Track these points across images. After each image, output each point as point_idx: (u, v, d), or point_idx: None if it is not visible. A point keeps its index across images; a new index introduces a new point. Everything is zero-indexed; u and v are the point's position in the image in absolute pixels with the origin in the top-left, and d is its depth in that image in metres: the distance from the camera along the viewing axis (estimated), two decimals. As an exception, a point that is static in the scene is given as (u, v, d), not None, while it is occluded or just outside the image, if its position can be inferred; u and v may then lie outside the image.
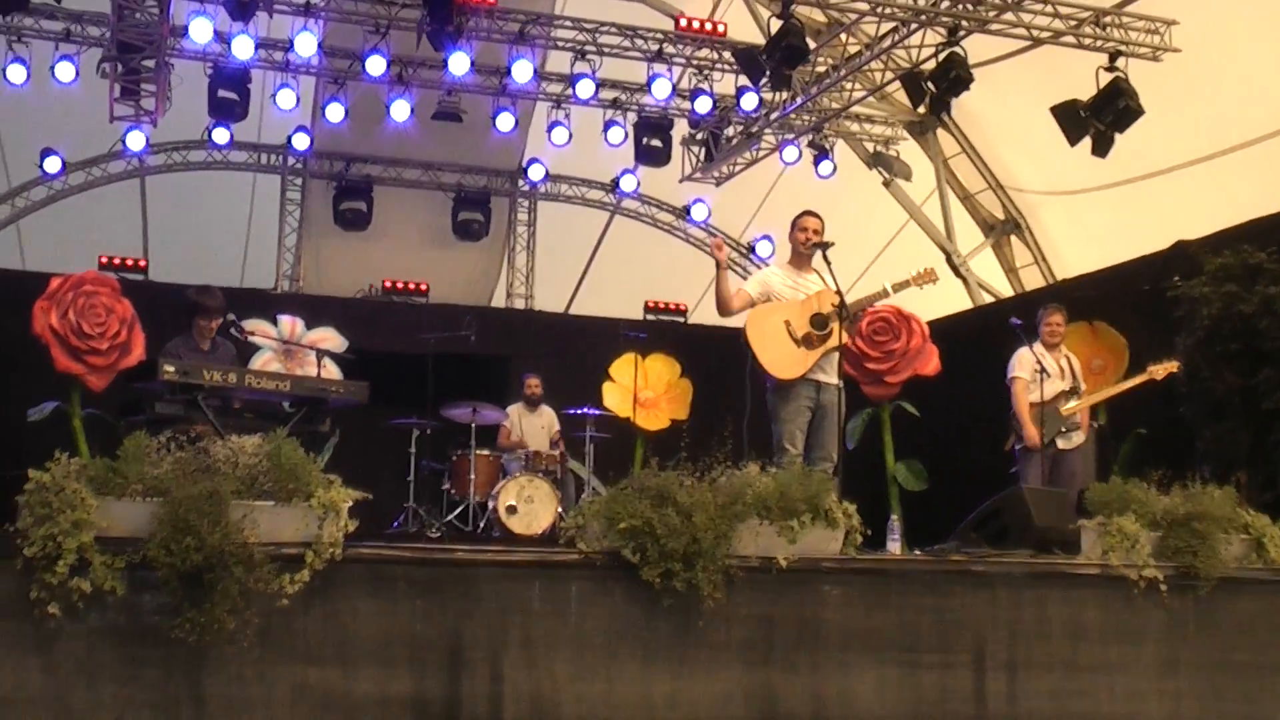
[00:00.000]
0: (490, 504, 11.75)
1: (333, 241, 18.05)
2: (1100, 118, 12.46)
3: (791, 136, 16.47)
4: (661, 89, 15.12)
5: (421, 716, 5.81)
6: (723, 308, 8.51)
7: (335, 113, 15.49)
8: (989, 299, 16.61)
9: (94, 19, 13.97)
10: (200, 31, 13.10)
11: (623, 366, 13.30)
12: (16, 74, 13.91)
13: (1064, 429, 10.12)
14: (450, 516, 12.23)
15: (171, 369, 7.62)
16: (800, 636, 6.41)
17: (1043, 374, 10.03)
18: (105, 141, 16.28)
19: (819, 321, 8.34)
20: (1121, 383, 10.39)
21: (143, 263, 15.80)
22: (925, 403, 11.26)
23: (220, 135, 16.08)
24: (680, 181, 17.66)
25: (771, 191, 17.60)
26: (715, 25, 14.67)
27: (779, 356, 8.33)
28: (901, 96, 14.49)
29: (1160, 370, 10.11)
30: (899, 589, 6.69)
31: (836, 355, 8.38)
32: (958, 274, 16.73)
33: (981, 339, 12.63)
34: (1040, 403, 10.01)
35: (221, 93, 14.42)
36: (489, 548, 6.32)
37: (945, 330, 12.34)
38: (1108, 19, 12.64)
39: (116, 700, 5.43)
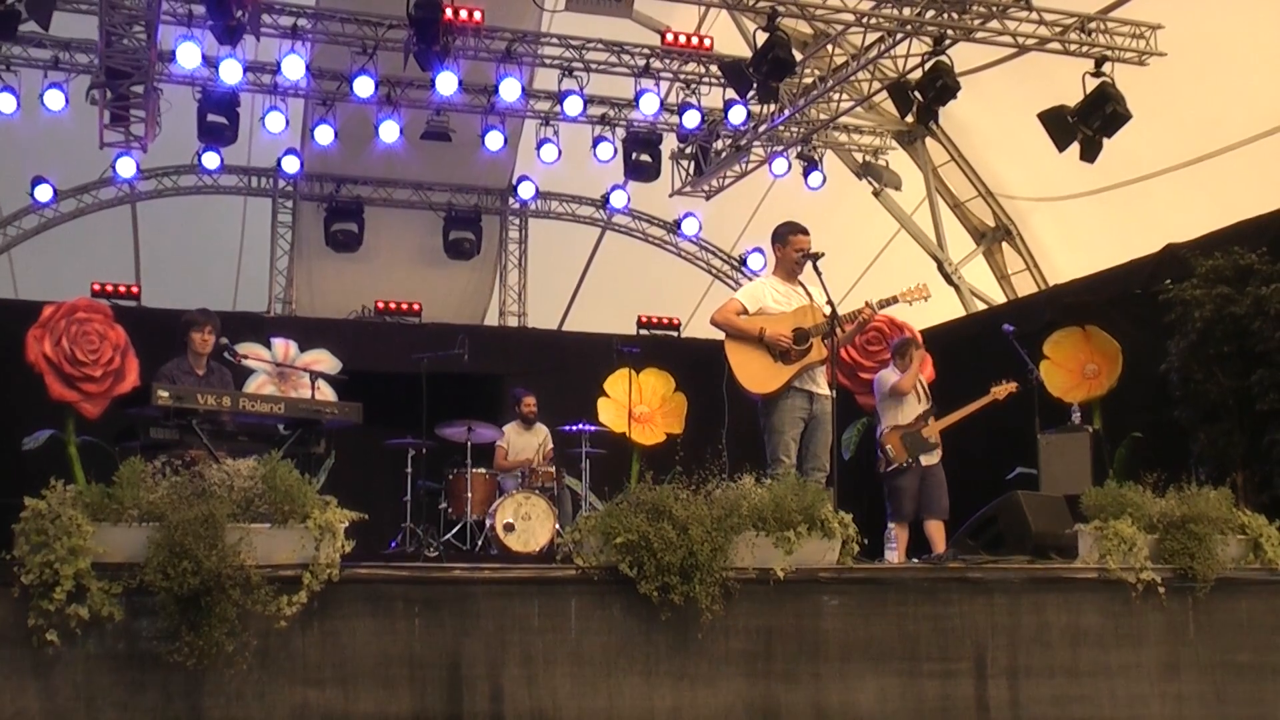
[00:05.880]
0: (487, 522, 11.72)
1: (325, 263, 18.03)
2: (1088, 123, 12.48)
3: (780, 149, 16.48)
4: (649, 104, 15.13)
5: (422, 736, 5.81)
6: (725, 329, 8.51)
7: (324, 134, 15.51)
8: (982, 306, 16.63)
9: (82, 46, 13.99)
10: (188, 56, 13.09)
11: (617, 382, 13.35)
12: (6, 103, 13.97)
13: (926, 449, 10.44)
14: (448, 535, 12.20)
15: (165, 394, 7.59)
16: (800, 647, 6.40)
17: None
18: (96, 168, 16.29)
19: (800, 336, 8.30)
20: (969, 405, 10.76)
21: (135, 289, 15.77)
22: (920, 411, 11.29)
23: (210, 159, 16.09)
24: (670, 196, 17.69)
25: (762, 204, 17.60)
26: (702, 39, 14.67)
27: (756, 371, 8.31)
28: (889, 106, 14.52)
29: (1001, 390, 10.73)
30: (897, 598, 6.67)
31: (821, 367, 8.35)
32: (950, 282, 16.75)
33: (975, 346, 12.67)
34: (903, 425, 10.38)
35: (211, 117, 14.46)
36: (487, 565, 6.30)
37: (938, 338, 12.40)
38: (1093, 25, 12.66)
39: (116, 726, 5.42)
